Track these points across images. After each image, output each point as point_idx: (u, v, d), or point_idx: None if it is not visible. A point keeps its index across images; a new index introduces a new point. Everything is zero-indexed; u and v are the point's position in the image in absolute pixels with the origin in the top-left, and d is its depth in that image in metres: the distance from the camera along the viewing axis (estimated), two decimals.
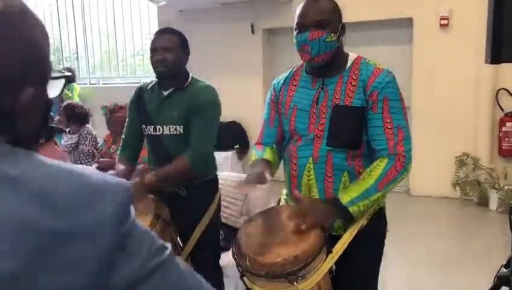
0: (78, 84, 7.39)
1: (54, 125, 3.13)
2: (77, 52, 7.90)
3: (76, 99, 6.77)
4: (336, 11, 1.74)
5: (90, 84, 7.74)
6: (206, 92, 2.21)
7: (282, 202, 1.97)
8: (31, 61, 0.71)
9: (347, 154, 1.73)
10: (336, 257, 1.64)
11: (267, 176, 1.69)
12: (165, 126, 2.19)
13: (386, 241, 1.90)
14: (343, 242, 1.68)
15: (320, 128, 1.74)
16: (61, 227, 0.63)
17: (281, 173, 1.94)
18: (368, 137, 1.72)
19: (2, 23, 0.65)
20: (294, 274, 1.50)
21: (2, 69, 0.65)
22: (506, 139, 5.02)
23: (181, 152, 2.17)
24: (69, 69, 7.40)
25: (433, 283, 3.39)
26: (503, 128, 5.04)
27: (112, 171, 2.26)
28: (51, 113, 3.30)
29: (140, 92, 2.35)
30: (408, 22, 5.38)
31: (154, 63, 2.15)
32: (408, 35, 5.46)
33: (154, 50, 2.16)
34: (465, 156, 5.17)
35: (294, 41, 1.72)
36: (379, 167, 1.66)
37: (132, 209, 0.74)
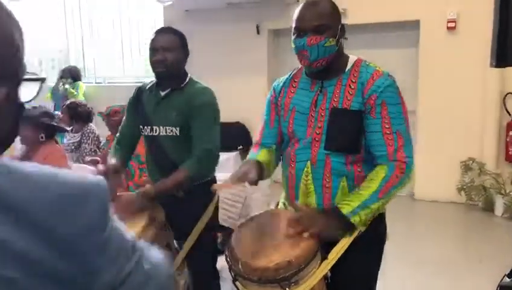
0: (84, 82, 7.41)
1: (55, 124, 3.11)
2: (83, 51, 7.91)
3: (81, 98, 6.78)
4: (335, 13, 1.70)
5: (95, 83, 7.75)
6: (203, 94, 2.17)
7: (280, 206, 1.93)
8: (5, 60, 0.68)
9: (346, 158, 1.69)
10: (332, 263, 1.61)
11: (251, 176, 1.64)
12: (161, 127, 2.17)
13: (388, 245, 1.85)
14: (339, 248, 1.64)
15: (318, 132, 1.70)
16: (42, 242, 0.61)
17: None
18: (367, 142, 1.68)
19: None
20: (287, 280, 1.47)
21: None
22: None
23: (178, 153, 2.15)
24: (75, 68, 7.42)
25: (436, 288, 3.35)
26: (510, 133, 4.97)
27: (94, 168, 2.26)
28: (55, 112, 3.29)
29: (139, 92, 2.33)
30: (415, 25, 5.33)
31: (154, 63, 2.12)
32: (415, 37, 5.41)
33: (153, 50, 2.12)
34: (471, 161, 5.10)
35: (293, 45, 1.69)
36: (379, 174, 1.62)
37: (111, 211, 0.72)
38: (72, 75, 7.21)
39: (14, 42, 0.69)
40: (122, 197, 2.08)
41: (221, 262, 2.35)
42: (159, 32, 2.17)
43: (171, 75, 2.15)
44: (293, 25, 1.68)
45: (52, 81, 7.45)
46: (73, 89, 7.04)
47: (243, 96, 5.82)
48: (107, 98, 5.38)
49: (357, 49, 5.80)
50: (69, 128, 3.44)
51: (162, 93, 2.20)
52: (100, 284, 0.67)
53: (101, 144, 4.37)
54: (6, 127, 0.70)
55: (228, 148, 5.39)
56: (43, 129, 3.03)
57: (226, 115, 6.07)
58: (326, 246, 1.64)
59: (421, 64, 5.36)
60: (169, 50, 2.11)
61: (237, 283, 1.57)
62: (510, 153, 4.99)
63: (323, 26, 1.63)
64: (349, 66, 1.73)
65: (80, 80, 7.30)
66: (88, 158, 4.07)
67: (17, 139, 3.20)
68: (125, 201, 2.03)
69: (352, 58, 1.75)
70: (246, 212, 2.85)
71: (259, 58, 6.13)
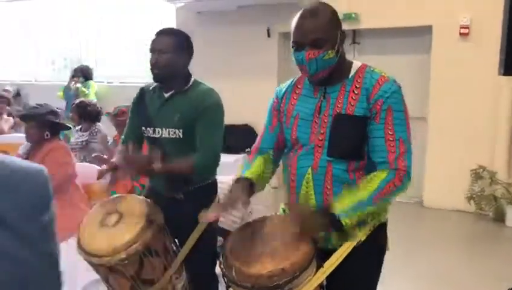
0: (95, 82, 7.46)
1: (59, 121, 3.14)
2: (95, 51, 7.97)
3: (92, 97, 6.84)
4: (333, 22, 1.64)
5: (107, 82, 7.80)
6: (208, 95, 2.15)
7: (281, 212, 1.91)
8: None
9: (348, 165, 1.65)
10: (327, 272, 1.58)
11: (241, 202, 1.63)
12: (164, 129, 2.16)
13: (391, 255, 1.81)
14: (337, 257, 1.61)
15: (320, 138, 1.67)
16: None
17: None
18: (368, 148, 1.65)
19: None
20: (281, 288, 1.45)
21: None
22: None
23: (180, 156, 2.13)
24: (87, 67, 7.48)
25: None
26: None
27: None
28: (67, 111, 3.31)
29: (142, 93, 2.32)
30: (427, 30, 5.27)
31: (150, 65, 2.12)
32: (427, 43, 5.35)
33: (150, 51, 2.13)
34: (481, 169, 5.02)
35: (293, 58, 1.67)
36: (377, 178, 1.59)
37: (53, 201, 0.79)
38: (83, 74, 7.28)
39: None
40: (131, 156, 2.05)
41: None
42: (157, 34, 2.17)
43: (166, 77, 2.13)
44: (291, 38, 1.65)
45: (64, 80, 7.53)
46: (84, 88, 7.10)
47: (252, 99, 5.80)
48: (118, 97, 5.41)
49: (369, 54, 5.81)
50: (71, 126, 3.46)
51: (166, 95, 2.19)
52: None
53: (109, 143, 4.39)
54: None
55: (236, 151, 5.39)
56: (48, 127, 3.06)
57: (235, 117, 6.10)
58: (323, 255, 1.62)
59: (433, 71, 5.30)
60: (163, 52, 2.10)
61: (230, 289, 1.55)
62: None
63: (320, 40, 1.59)
64: (353, 72, 1.69)
65: (91, 79, 7.36)
66: (94, 154, 4.09)
67: (22, 136, 3.23)
68: (132, 159, 2.00)
69: (356, 64, 1.72)
70: (249, 215, 2.85)
71: (270, 61, 6.11)
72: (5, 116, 5.59)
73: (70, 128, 3.42)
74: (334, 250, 1.65)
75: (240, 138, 5.61)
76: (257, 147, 1.87)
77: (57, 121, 3.10)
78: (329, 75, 1.65)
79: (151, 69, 2.13)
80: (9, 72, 8.86)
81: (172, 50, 2.11)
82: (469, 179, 5.10)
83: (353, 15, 5.49)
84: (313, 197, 1.69)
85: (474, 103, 5.10)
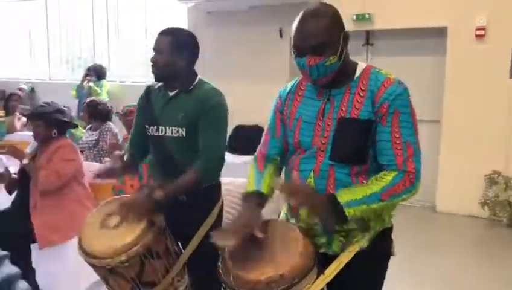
0: (108, 81, 7.51)
1: (67, 120, 3.15)
2: (108, 50, 8.02)
3: (104, 96, 6.88)
4: (334, 25, 1.57)
5: (119, 82, 7.85)
6: (212, 95, 2.13)
7: (282, 216, 1.87)
8: None
9: (351, 169, 1.60)
10: (328, 279, 1.53)
11: (257, 225, 1.56)
12: (167, 127, 2.14)
13: (400, 260, 1.76)
14: (338, 263, 1.57)
15: (323, 142, 1.63)
16: None
17: None
18: (375, 151, 1.61)
19: None
20: None
21: None
22: None
23: (183, 155, 2.11)
24: (100, 66, 7.53)
25: None
26: None
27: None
28: (67, 108, 3.32)
29: (148, 91, 2.31)
30: (442, 32, 5.17)
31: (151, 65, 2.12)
32: (442, 45, 5.25)
33: (153, 51, 2.12)
34: (496, 175, 4.91)
35: (295, 62, 1.62)
36: (387, 176, 1.54)
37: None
38: (97, 73, 7.33)
39: None
40: (129, 198, 2.06)
41: None
42: (158, 33, 2.15)
43: (164, 77, 2.12)
44: (292, 42, 1.61)
45: (78, 78, 7.59)
46: (97, 87, 7.15)
47: (263, 99, 5.72)
48: (130, 97, 5.42)
49: (383, 55, 5.74)
50: (78, 124, 3.48)
51: (170, 94, 2.17)
52: None
53: (119, 142, 4.39)
54: None
55: (247, 151, 5.36)
56: (56, 125, 3.07)
57: (245, 118, 6.06)
58: (324, 261, 1.58)
59: (448, 73, 5.20)
60: (161, 52, 2.09)
61: None
62: None
63: (321, 46, 1.53)
64: (358, 74, 1.64)
65: (104, 78, 7.41)
66: (109, 141, 4.12)
67: (30, 135, 3.25)
68: (131, 202, 2.01)
69: (361, 65, 1.66)
70: None
71: (282, 62, 6.07)
72: (17, 114, 5.64)
73: (77, 126, 3.43)
74: (336, 256, 1.60)
75: (250, 139, 5.57)
76: (264, 153, 1.82)
77: (64, 119, 3.11)
78: (333, 78, 1.60)
79: (151, 68, 2.12)
80: (24, 71, 8.97)
81: (170, 50, 2.09)
82: (483, 184, 4.99)
83: (367, 16, 5.42)
84: None
85: (490, 107, 5.00)
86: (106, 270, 1.86)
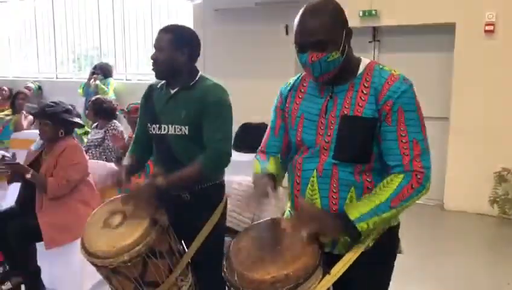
0: (115, 79, 7.51)
1: (75, 121, 3.14)
2: (115, 49, 8.03)
3: (111, 95, 6.88)
4: (337, 20, 1.54)
5: (126, 80, 7.85)
6: (214, 90, 2.10)
7: (287, 215, 1.84)
8: None
9: (354, 168, 1.57)
10: (334, 279, 1.50)
11: (270, 192, 1.57)
12: (170, 125, 2.11)
13: (408, 259, 1.72)
14: (344, 263, 1.53)
15: (327, 140, 1.59)
16: None
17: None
18: (381, 151, 1.56)
19: None
20: None
21: None
22: None
23: (185, 153, 2.09)
24: (107, 65, 7.53)
25: None
26: None
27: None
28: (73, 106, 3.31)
29: (151, 90, 2.29)
30: (450, 28, 5.10)
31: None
32: (449, 41, 5.18)
33: (154, 48, 2.11)
34: (506, 172, 4.85)
35: (297, 58, 1.59)
36: (394, 182, 1.50)
37: None
38: (103, 71, 7.33)
39: None
40: (131, 187, 2.04)
41: None
42: (159, 31, 2.13)
43: (166, 74, 2.11)
44: (294, 38, 1.57)
45: (85, 77, 7.60)
46: (104, 85, 7.15)
47: (269, 96, 5.69)
48: (136, 95, 5.41)
49: (390, 52, 5.68)
50: (83, 124, 3.46)
51: (172, 92, 2.15)
52: None
53: (125, 140, 4.38)
54: None
55: (253, 149, 5.31)
56: (63, 126, 3.06)
57: (252, 115, 6.06)
58: (329, 261, 1.54)
59: (456, 70, 5.13)
60: (161, 49, 2.07)
61: None
62: None
63: (322, 42, 1.50)
64: (361, 70, 1.60)
65: (111, 76, 7.41)
66: (112, 133, 4.10)
67: (37, 133, 3.23)
68: (134, 195, 1.98)
69: (364, 61, 1.62)
70: (258, 217, 2.78)
71: (287, 59, 6.00)
72: (24, 112, 5.66)
73: (84, 126, 3.42)
74: (341, 255, 1.57)
75: (256, 137, 5.53)
76: (264, 151, 1.81)
77: (72, 120, 3.10)
78: (336, 75, 1.57)
79: (152, 66, 2.10)
80: (31, 69, 9.01)
81: (170, 47, 2.07)
82: (492, 181, 4.93)
83: (374, 12, 5.36)
84: (319, 201, 1.61)
85: (499, 103, 4.93)
86: (109, 270, 1.84)
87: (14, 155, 3.23)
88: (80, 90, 7.35)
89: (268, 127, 1.83)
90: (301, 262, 1.43)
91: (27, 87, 7.59)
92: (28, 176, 2.86)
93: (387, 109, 1.52)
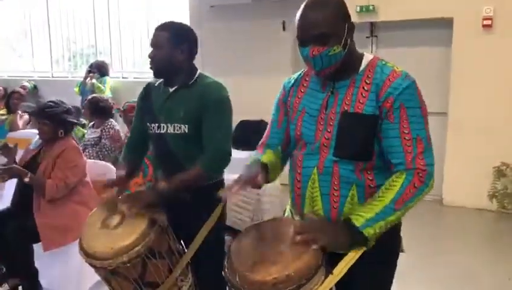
0: (111, 77, 7.46)
1: (74, 121, 3.10)
2: (111, 46, 7.97)
3: (108, 93, 6.84)
4: (339, 14, 1.53)
5: (122, 78, 7.81)
6: (213, 88, 2.08)
7: (287, 213, 1.82)
8: None
9: (355, 166, 1.55)
10: (337, 279, 1.48)
11: (258, 180, 1.53)
12: (169, 124, 2.09)
13: (407, 257, 1.71)
14: (346, 262, 1.51)
15: (327, 137, 1.57)
16: None
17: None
18: (383, 149, 1.54)
19: None
20: None
21: None
22: None
23: (185, 152, 2.07)
24: (103, 63, 7.49)
25: None
26: None
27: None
28: (75, 107, 3.27)
29: (148, 88, 2.27)
30: (448, 22, 5.08)
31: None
32: (447, 36, 5.16)
33: (150, 46, 2.09)
34: (505, 167, 4.84)
35: (299, 52, 1.57)
36: (396, 183, 1.48)
37: None
38: (99, 70, 7.29)
39: None
40: (132, 192, 2.02)
41: None
42: (155, 28, 2.11)
43: (164, 72, 2.09)
44: (296, 32, 1.55)
45: (81, 75, 7.55)
46: (100, 84, 7.10)
47: (267, 93, 5.66)
48: (133, 93, 5.38)
49: (387, 47, 5.65)
50: (81, 123, 3.43)
51: (170, 90, 2.12)
52: None
53: (122, 139, 4.35)
54: None
55: (251, 146, 5.29)
56: (63, 126, 3.03)
57: (250, 112, 6.04)
58: (331, 260, 1.52)
59: (454, 65, 5.11)
60: (158, 47, 2.05)
61: None
62: None
63: (324, 36, 1.48)
64: (363, 66, 1.58)
65: (107, 74, 7.37)
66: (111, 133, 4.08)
67: (36, 132, 3.20)
68: (135, 196, 1.96)
69: (367, 57, 1.60)
70: (258, 216, 2.77)
71: (285, 55, 6.00)
72: (20, 112, 5.61)
73: (83, 125, 3.39)
74: (343, 254, 1.55)
75: (254, 134, 5.52)
76: (264, 142, 1.78)
77: (72, 120, 3.07)
78: (338, 70, 1.54)
79: (150, 64, 2.07)
80: (27, 68, 8.95)
81: (167, 45, 2.04)
82: (491, 176, 4.92)
83: (371, 7, 5.34)
84: (319, 198, 1.59)
85: (497, 98, 4.91)
86: (107, 271, 1.81)
87: (16, 146, 3.19)
88: (76, 89, 7.30)
89: (270, 120, 1.80)
90: (303, 262, 1.40)
91: (22, 87, 7.53)
92: (27, 179, 2.83)
93: (388, 106, 1.50)
